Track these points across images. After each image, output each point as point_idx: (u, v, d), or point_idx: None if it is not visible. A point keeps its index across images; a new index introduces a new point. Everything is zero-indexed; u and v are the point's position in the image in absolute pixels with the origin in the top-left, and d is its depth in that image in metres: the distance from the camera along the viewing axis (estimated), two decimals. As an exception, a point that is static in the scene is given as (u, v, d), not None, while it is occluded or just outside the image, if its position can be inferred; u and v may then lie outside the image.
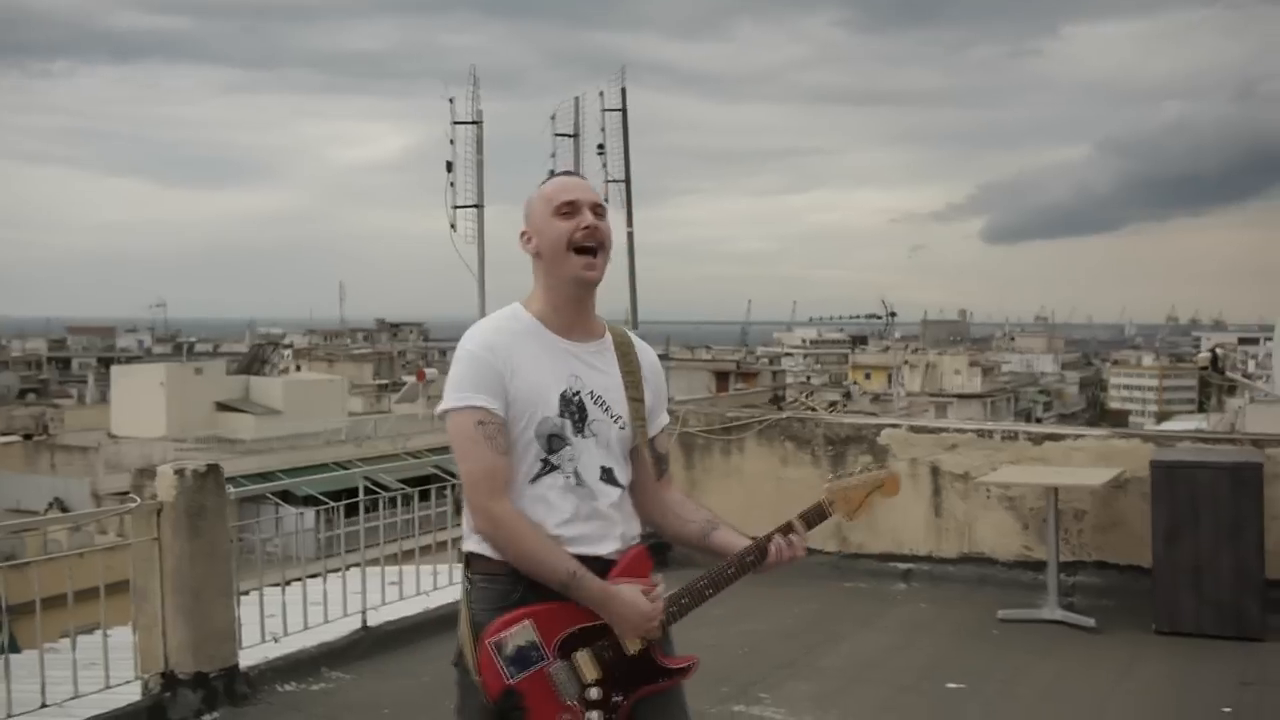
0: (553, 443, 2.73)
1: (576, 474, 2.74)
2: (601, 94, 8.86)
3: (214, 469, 5.69)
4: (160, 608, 5.45)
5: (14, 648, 5.54)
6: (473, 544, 2.78)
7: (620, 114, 8.93)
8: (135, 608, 5.54)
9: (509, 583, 2.71)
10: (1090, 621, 6.81)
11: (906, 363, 74.65)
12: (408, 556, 7.03)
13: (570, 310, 2.81)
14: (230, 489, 5.85)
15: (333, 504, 7.13)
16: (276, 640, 6.11)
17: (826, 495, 2.86)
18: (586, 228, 2.76)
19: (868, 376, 75.16)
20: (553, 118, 8.72)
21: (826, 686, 5.99)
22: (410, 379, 51.28)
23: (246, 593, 6.21)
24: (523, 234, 2.83)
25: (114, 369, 44.43)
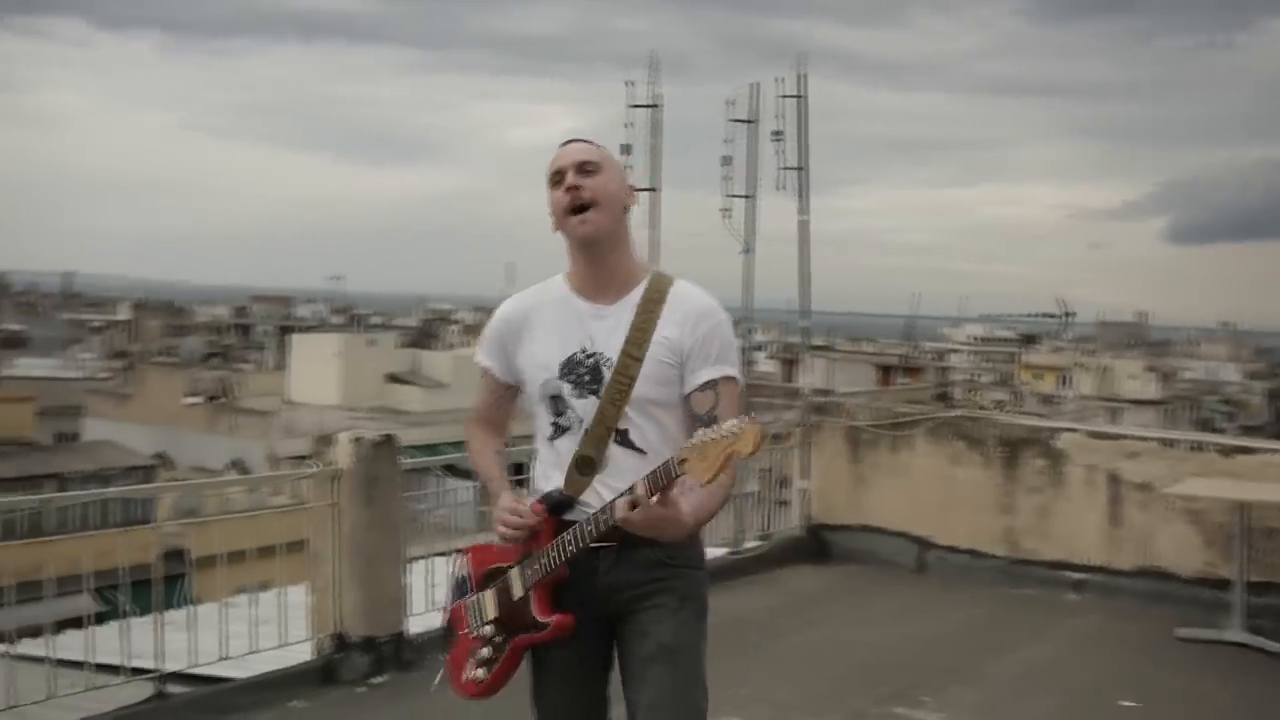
0: (556, 404, 2.87)
1: (586, 434, 2.82)
2: (778, 80, 8.78)
3: (389, 439, 5.83)
4: (334, 571, 5.62)
5: (196, 600, 5.79)
6: None
7: (797, 100, 8.80)
8: (311, 570, 5.73)
9: None
10: (1278, 646, 6.46)
11: (1080, 364, 72.25)
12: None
13: (592, 273, 2.88)
14: (402, 459, 5.98)
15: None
16: (442, 610, 6.22)
17: (677, 454, 2.54)
18: (569, 189, 2.81)
19: (1038, 377, 73.03)
20: (729, 103, 8.66)
21: (991, 695, 5.82)
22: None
23: (413, 561, 6.34)
24: (551, 217, 2.90)
25: (292, 337, 46.12)
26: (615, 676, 2.95)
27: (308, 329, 65.80)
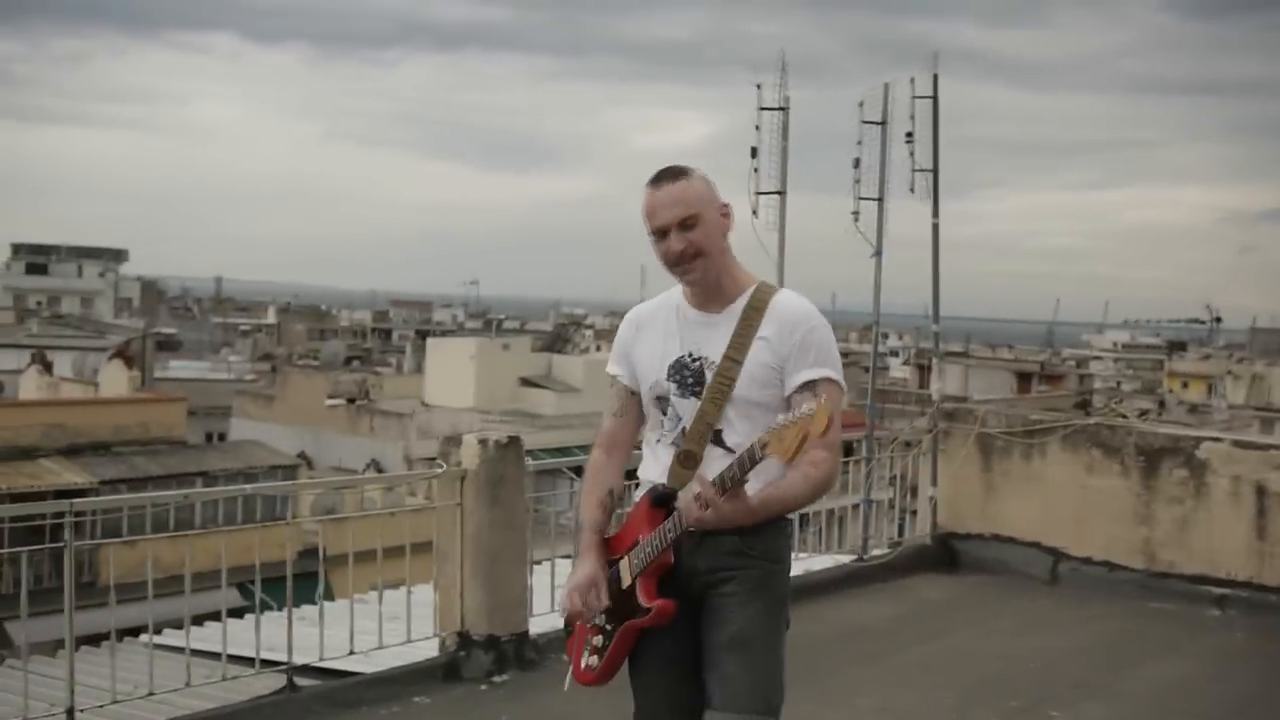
0: (662, 404, 3.07)
1: (683, 432, 3.01)
2: (912, 81, 8.61)
3: (514, 440, 5.90)
4: (459, 570, 5.71)
5: (328, 596, 5.95)
6: None
7: (930, 101, 8.65)
8: (436, 569, 5.83)
9: None
10: None
11: (1230, 373, 69.50)
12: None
13: (700, 290, 3.06)
14: (529, 461, 6.05)
15: (624, 483, 7.25)
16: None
17: (759, 439, 2.72)
18: (674, 254, 2.97)
19: (1185, 385, 70.52)
20: (860, 104, 8.53)
21: (1125, 712, 5.63)
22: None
23: (539, 562, 6.41)
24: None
25: (429, 341, 47.05)
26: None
27: (444, 333, 67.12)
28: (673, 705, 3.02)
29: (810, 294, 3.13)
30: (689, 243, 2.96)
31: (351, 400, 37.96)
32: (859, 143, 8.56)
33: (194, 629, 5.65)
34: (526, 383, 38.42)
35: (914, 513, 8.72)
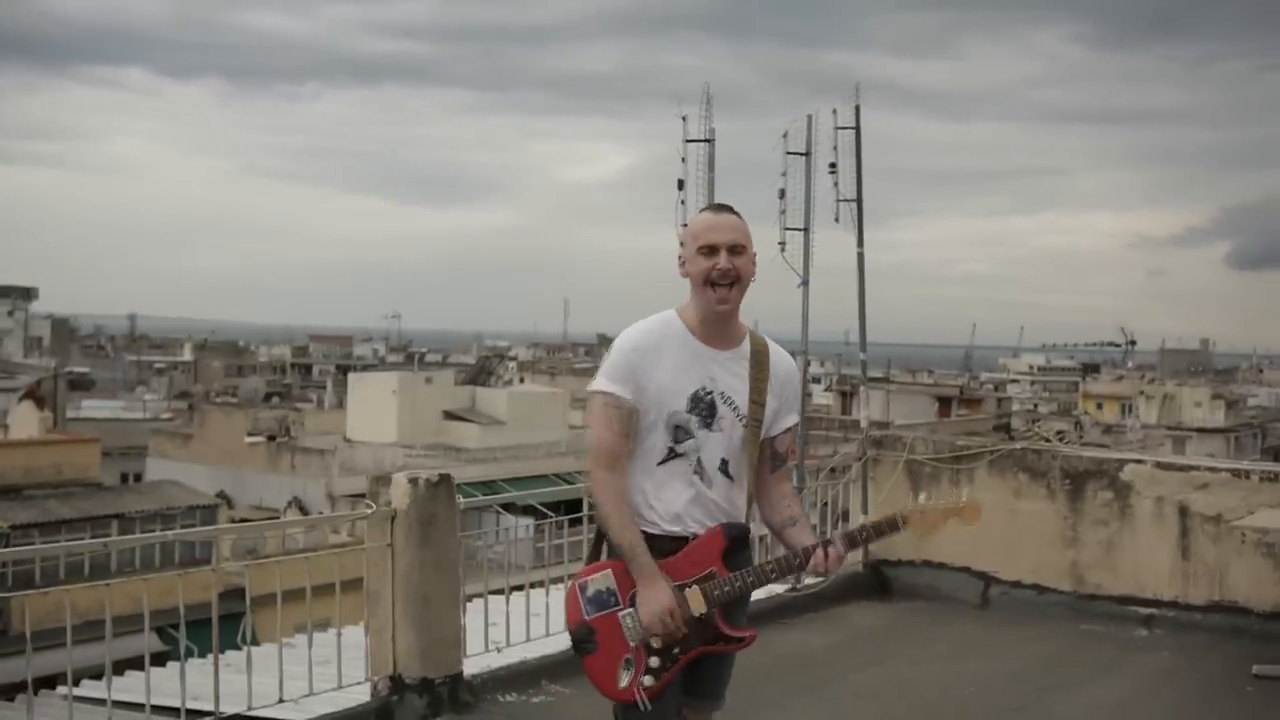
0: (678, 434, 3.26)
1: (700, 463, 3.26)
2: (835, 112, 8.68)
3: (445, 479, 5.80)
4: (391, 612, 5.59)
5: (253, 640, 5.79)
6: None
7: (853, 132, 8.73)
8: (368, 611, 5.70)
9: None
10: (1359, 684, 6.24)
11: (1143, 393, 71.10)
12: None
13: (713, 324, 3.30)
14: (460, 499, 5.95)
15: (554, 516, 7.19)
16: (500, 650, 6.19)
17: (904, 513, 3.25)
18: (720, 269, 3.24)
19: (1100, 406, 71.96)
20: (784, 136, 8.59)
21: (1061, 735, 5.66)
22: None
23: (470, 599, 6.30)
24: (679, 259, 3.33)
25: (350, 376, 46.54)
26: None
27: (365, 367, 66.39)
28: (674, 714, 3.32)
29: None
30: (734, 267, 3.24)
31: (272, 437, 37.35)
32: (783, 174, 8.60)
33: (115, 679, 5.46)
34: (450, 416, 38.13)
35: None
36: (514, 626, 6.23)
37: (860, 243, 8.82)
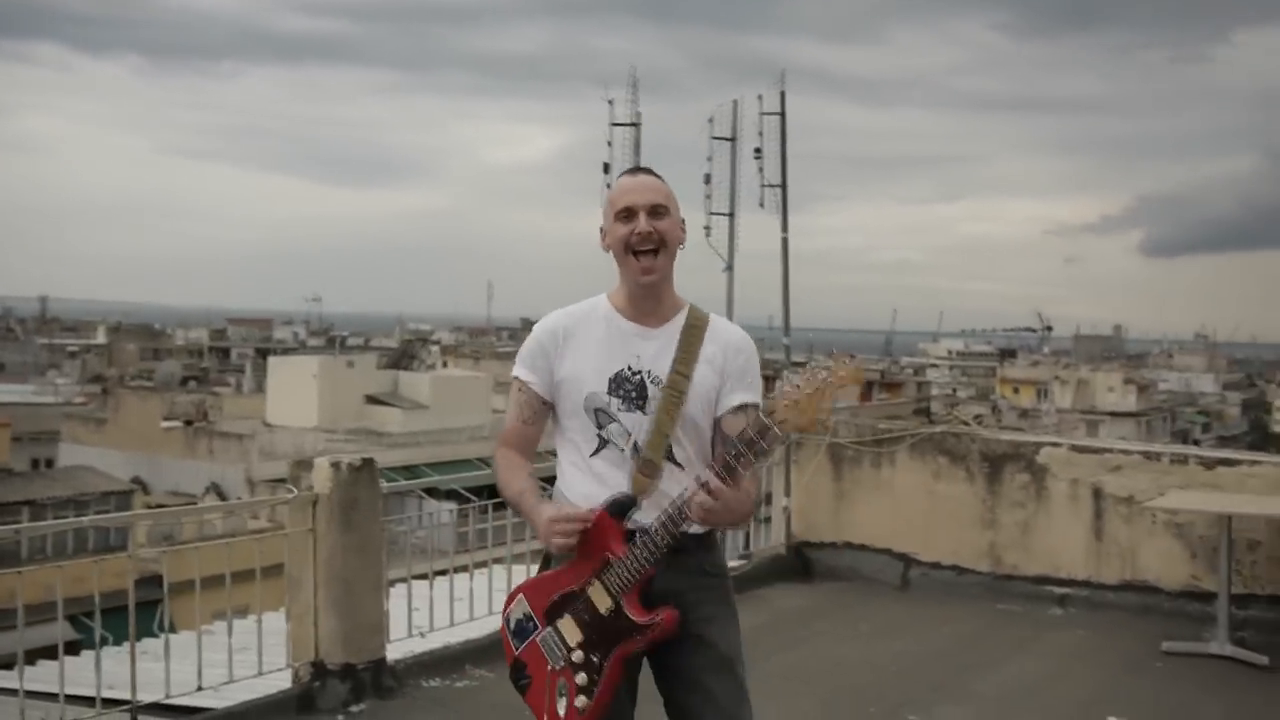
0: (599, 417, 2.98)
1: (636, 446, 2.95)
2: (760, 98, 8.75)
3: (368, 463, 5.75)
4: (313, 598, 5.53)
5: (171, 628, 5.69)
6: None
7: (778, 118, 8.80)
8: (289, 597, 5.63)
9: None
10: (1263, 659, 6.43)
11: (1057, 378, 72.55)
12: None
13: (641, 300, 3.01)
14: (383, 483, 5.90)
15: (477, 500, 7.16)
16: (423, 635, 6.15)
17: (768, 406, 2.68)
18: (639, 233, 2.95)
19: (1016, 391, 73.30)
20: (710, 121, 8.63)
21: (979, 713, 5.77)
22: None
23: (393, 584, 6.26)
24: (600, 231, 3.05)
25: (270, 360, 45.91)
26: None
27: (285, 351, 65.51)
28: None
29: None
30: (656, 230, 2.95)
31: (189, 422, 36.73)
32: (709, 158, 8.65)
33: (27, 668, 5.33)
34: (372, 400, 37.77)
35: (768, 520, 8.80)
36: (438, 611, 6.20)
37: (785, 228, 8.90)
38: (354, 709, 5.47)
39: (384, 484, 5.95)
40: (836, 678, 6.23)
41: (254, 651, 5.50)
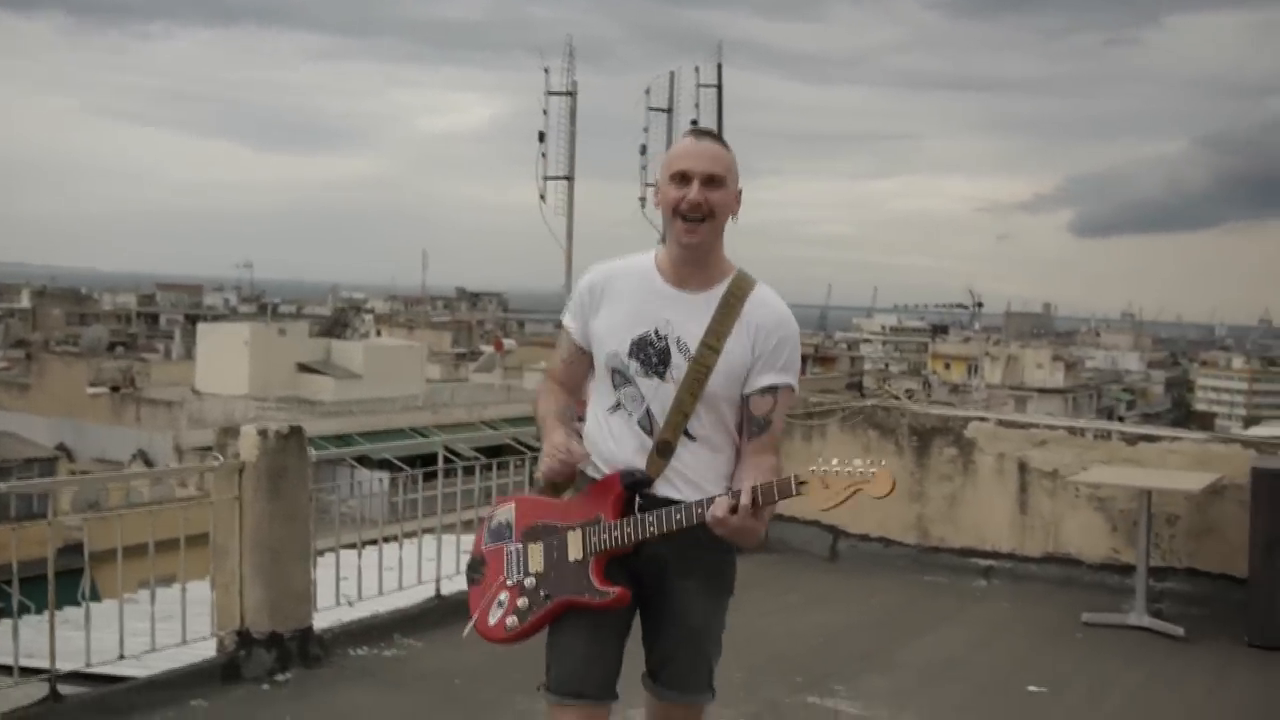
0: (615, 378, 2.96)
1: (648, 413, 2.92)
2: (697, 70, 8.74)
3: (296, 431, 5.69)
4: (239, 566, 5.47)
5: (94, 596, 5.60)
6: None
7: (715, 90, 8.79)
8: (214, 565, 5.57)
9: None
10: (1179, 630, 6.59)
11: (988, 354, 73.63)
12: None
13: (684, 264, 2.95)
14: (311, 452, 5.84)
15: (409, 470, 7.11)
16: (351, 604, 6.12)
17: (797, 475, 2.73)
18: (690, 202, 2.88)
19: (947, 366, 74.29)
20: (647, 92, 8.62)
21: (904, 682, 5.85)
22: (488, 349, 51.60)
23: (322, 553, 6.21)
24: (655, 188, 3.11)
25: (200, 326, 45.26)
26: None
27: (216, 317, 64.61)
28: (594, 666, 2.95)
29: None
30: (707, 199, 2.87)
31: (115, 388, 36.08)
32: (645, 129, 8.64)
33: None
34: (304, 369, 37.39)
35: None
36: (366, 580, 6.16)
37: (720, 200, 8.90)
38: (280, 678, 5.43)
39: (313, 452, 5.89)
40: (763, 649, 6.27)
41: (178, 620, 5.43)
